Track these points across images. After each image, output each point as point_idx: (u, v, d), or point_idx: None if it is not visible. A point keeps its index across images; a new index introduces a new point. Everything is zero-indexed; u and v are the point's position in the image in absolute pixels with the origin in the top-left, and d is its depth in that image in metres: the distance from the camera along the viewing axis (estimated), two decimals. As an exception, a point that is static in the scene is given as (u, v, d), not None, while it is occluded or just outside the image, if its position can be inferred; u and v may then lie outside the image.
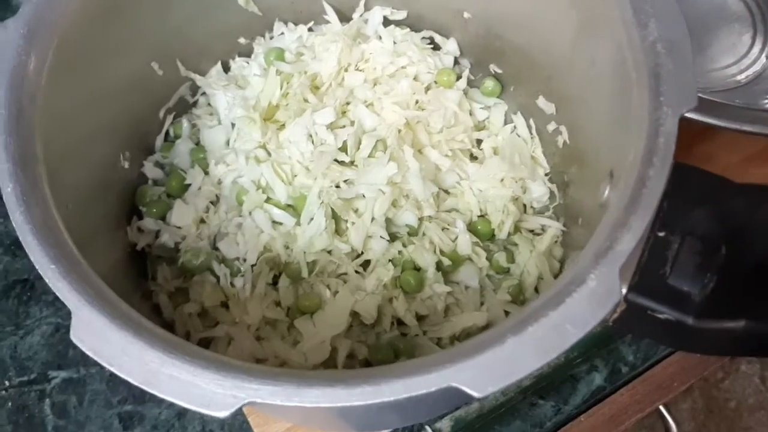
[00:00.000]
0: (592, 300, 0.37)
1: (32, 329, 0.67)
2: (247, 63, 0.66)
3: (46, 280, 0.39)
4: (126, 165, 0.59)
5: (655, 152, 0.40)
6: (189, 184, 0.60)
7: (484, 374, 0.36)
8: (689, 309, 0.40)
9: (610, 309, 0.37)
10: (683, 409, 1.42)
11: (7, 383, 0.65)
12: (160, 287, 0.58)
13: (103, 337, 0.37)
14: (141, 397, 0.64)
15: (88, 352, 0.37)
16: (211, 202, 0.60)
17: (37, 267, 0.39)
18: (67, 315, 0.66)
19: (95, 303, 0.38)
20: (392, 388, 0.35)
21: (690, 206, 0.43)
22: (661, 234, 0.42)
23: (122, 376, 0.36)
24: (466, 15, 0.63)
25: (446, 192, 0.63)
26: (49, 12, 0.47)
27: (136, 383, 0.36)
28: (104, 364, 0.36)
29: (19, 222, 0.40)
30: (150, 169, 0.62)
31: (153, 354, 0.36)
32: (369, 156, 0.59)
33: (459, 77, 0.67)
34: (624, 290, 0.41)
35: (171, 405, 0.61)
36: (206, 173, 0.61)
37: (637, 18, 0.44)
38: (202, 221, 0.59)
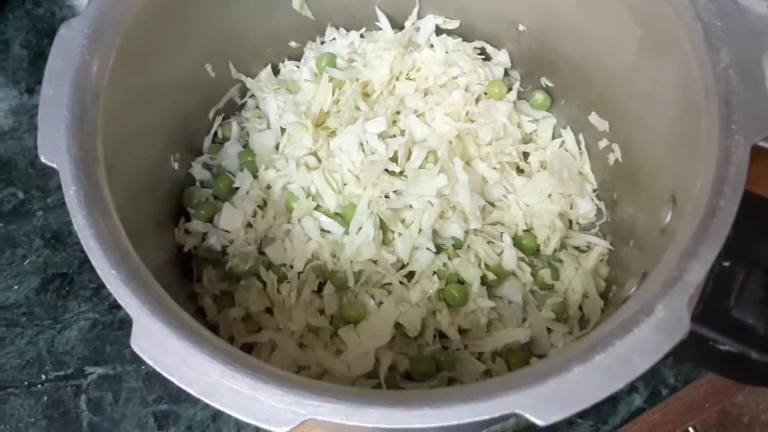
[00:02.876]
0: (659, 331, 0.37)
1: (70, 324, 0.67)
2: (297, 67, 0.66)
3: (108, 287, 0.39)
4: (175, 166, 0.59)
5: (725, 181, 0.40)
6: (236, 188, 0.60)
7: (548, 402, 0.35)
8: (753, 342, 0.40)
9: (678, 341, 0.37)
10: (695, 422, 1.41)
11: (43, 377, 0.65)
12: (205, 290, 0.58)
13: (164, 347, 0.37)
14: (177, 396, 0.64)
15: (149, 362, 0.37)
16: (259, 207, 0.60)
17: (98, 272, 0.39)
18: (105, 311, 0.67)
19: (157, 311, 0.38)
20: (454, 411, 0.35)
21: (757, 237, 0.42)
22: (726, 264, 0.41)
23: (182, 386, 0.36)
24: (521, 27, 0.62)
25: (492, 205, 0.62)
26: (112, 11, 0.47)
27: (196, 395, 0.36)
28: (165, 374, 0.36)
29: (82, 226, 0.40)
30: (198, 171, 0.62)
31: (214, 366, 0.36)
32: (419, 167, 0.58)
33: (509, 89, 0.66)
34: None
35: (206, 406, 0.60)
36: (255, 177, 0.60)
37: (709, 42, 0.44)
38: (250, 225, 0.59)
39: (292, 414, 0.35)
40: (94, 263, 0.39)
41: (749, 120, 0.41)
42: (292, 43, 0.66)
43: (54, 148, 0.42)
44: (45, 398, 0.64)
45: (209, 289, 0.57)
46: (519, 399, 0.35)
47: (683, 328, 0.37)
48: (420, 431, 0.36)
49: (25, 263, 0.69)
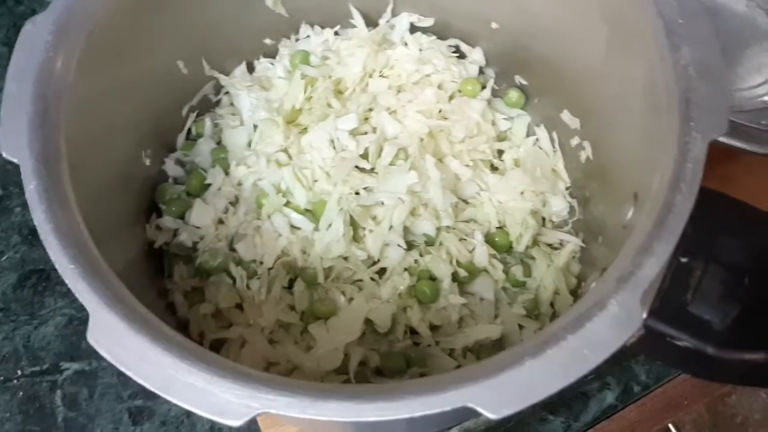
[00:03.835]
0: (612, 325, 0.37)
1: (46, 319, 0.67)
2: (272, 64, 0.66)
3: (66, 281, 0.39)
4: (147, 162, 0.59)
5: (682, 178, 0.40)
6: (209, 184, 0.60)
7: (500, 396, 0.35)
8: (709, 338, 0.40)
9: (630, 336, 0.37)
10: (687, 421, 1.41)
11: (19, 372, 0.65)
12: (176, 285, 0.58)
13: (121, 341, 0.37)
14: (151, 392, 0.63)
15: (105, 355, 0.37)
16: (231, 203, 0.60)
17: (56, 266, 0.39)
18: (82, 307, 0.66)
19: (114, 305, 0.38)
20: (408, 405, 0.35)
21: (715, 233, 0.42)
22: (684, 260, 0.41)
23: (138, 380, 0.36)
24: (494, 25, 0.63)
25: (465, 202, 0.63)
26: (80, 6, 0.47)
27: (152, 388, 0.36)
28: (121, 368, 0.36)
29: (41, 220, 0.40)
30: (171, 167, 0.62)
31: (170, 360, 0.36)
32: (390, 164, 0.58)
33: (483, 87, 0.66)
34: (644, 315, 0.40)
35: (181, 402, 0.61)
36: (227, 174, 0.60)
37: (671, 40, 0.44)
38: (221, 222, 0.59)
39: (246, 407, 0.35)
40: (52, 257, 0.39)
41: (707, 117, 0.41)
42: (267, 41, 0.66)
43: (16, 144, 0.42)
44: (20, 393, 0.64)
45: (180, 285, 0.58)
46: (471, 393, 0.35)
47: (636, 323, 0.37)
48: (377, 424, 0.36)
49: (2, 259, 0.70)
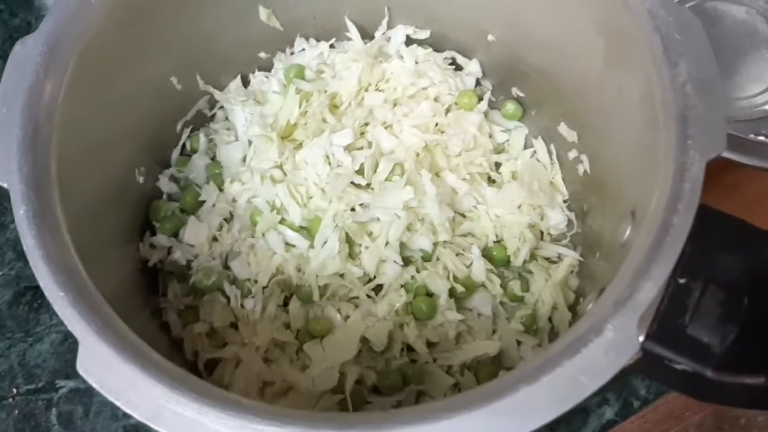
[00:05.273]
0: (608, 351, 0.36)
1: (42, 337, 0.67)
2: (267, 78, 0.65)
3: (55, 308, 0.38)
4: (141, 179, 0.58)
5: (680, 198, 0.39)
6: (203, 201, 0.60)
7: (495, 424, 0.35)
8: (708, 361, 0.39)
9: (627, 361, 0.36)
10: (691, 424, 1.41)
11: (14, 390, 0.65)
12: (170, 304, 0.57)
13: (110, 369, 0.37)
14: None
15: (94, 385, 0.36)
16: (225, 220, 0.59)
17: (46, 293, 0.39)
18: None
19: (103, 333, 0.37)
20: (401, 435, 0.35)
21: (714, 252, 0.42)
22: (682, 281, 0.41)
23: (127, 411, 0.36)
24: (490, 37, 0.62)
25: (462, 215, 0.62)
26: (70, 26, 0.47)
27: (141, 419, 0.36)
28: (110, 397, 0.36)
29: (30, 246, 0.40)
30: (165, 183, 0.61)
31: (159, 389, 0.36)
32: (386, 179, 0.58)
33: (480, 99, 0.66)
34: (641, 338, 0.39)
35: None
36: (221, 190, 0.60)
37: (668, 56, 0.43)
38: (215, 239, 0.59)
39: (236, 438, 0.35)
40: (41, 284, 0.39)
41: (705, 136, 0.41)
42: (262, 54, 0.66)
43: (5, 168, 0.41)
44: (16, 411, 0.64)
45: (174, 303, 0.57)
46: (465, 421, 0.35)
47: (633, 348, 0.36)
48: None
49: (-2, 276, 0.69)
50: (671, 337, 0.40)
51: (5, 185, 0.41)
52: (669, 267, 0.38)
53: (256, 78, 0.66)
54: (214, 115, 0.66)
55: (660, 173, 0.42)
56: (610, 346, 0.36)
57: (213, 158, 0.63)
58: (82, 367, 0.37)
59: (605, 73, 0.52)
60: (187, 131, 0.64)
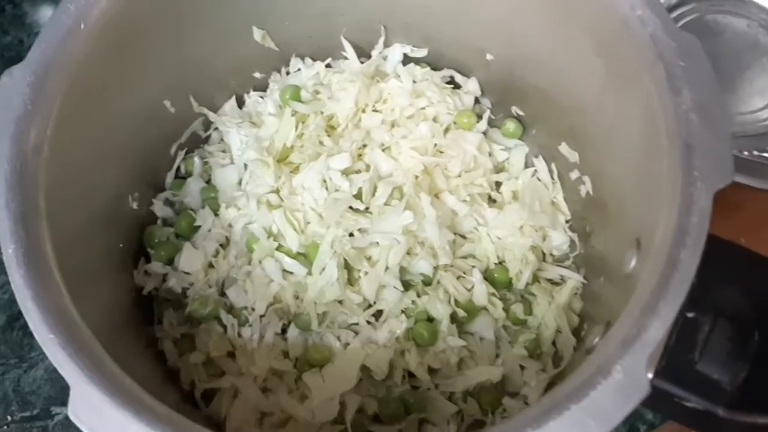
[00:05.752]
0: (617, 393, 0.35)
1: (36, 362, 0.65)
2: (262, 98, 0.64)
3: (45, 351, 0.37)
4: (134, 206, 0.57)
5: (687, 232, 0.38)
6: (199, 226, 0.59)
7: (500, 471, 0.34)
8: (719, 399, 0.38)
9: (637, 403, 0.35)
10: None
11: (9, 418, 0.64)
12: (165, 333, 0.56)
13: (102, 415, 0.36)
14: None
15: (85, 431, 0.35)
16: (221, 245, 0.58)
17: (35, 335, 0.38)
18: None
19: (95, 377, 0.36)
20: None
21: (722, 284, 0.41)
22: (691, 315, 0.40)
23: (120, 460, 0.35)
24: (488, 56, 0.61)
25: (462, 237, 0.61)
26: (58, 54, 0.46)
27: (133, 469, 0.34)
28: (101, 446, 0.35)
29: (19, 286, 0.39)
30: (159, 208, 0.60)
31: (153, 437, 0.35)
32: (385, 203, 0.56)
33: (479, 117, 0.65)
34: (650, 377, 0.38)
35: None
36: (216, 215, 0.59)
37: (670, 82, 0.42)
38: (211, 265, 0.57)
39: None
40: (31, 326, 0.38)
41: (711, 166, 0.39)
42: (257, 74, 0.64)
43: (-8, 204, 0.40)
44: (11, 440, 0.63)
45: (170, 332, 0.56)
46: (470, 469, 0.34)
47: (643, 389, 0.35)
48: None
49: (-10, 301, 0.68)
50: (681, 375, 0.39)
51: (-7, 222, 0.40)
52: (678, 304, 0.37)
53: (251, 98, 0.65)
54: (208, 137, 0.64)
55: (665, 202, 0.41)
56: (619, 387, 0.35)
57: (208, 181, 0.62)
58: (73, 412, 0.36)
59: (605, 96, 0.51)
60: (182, 154, 0.63)
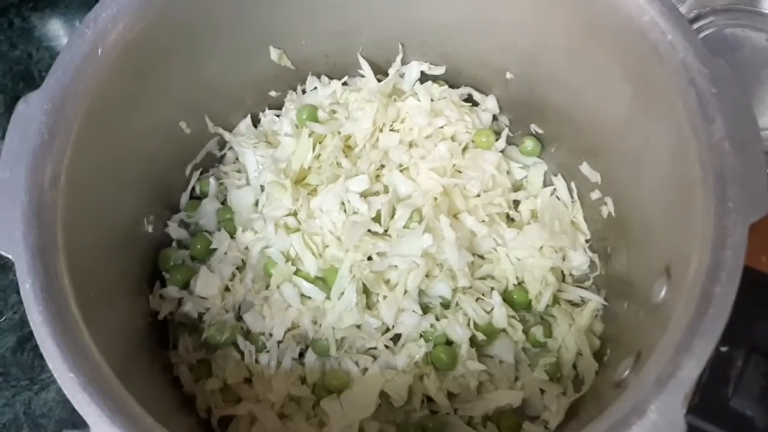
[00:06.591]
0: (653, 434, 0.34)
1: (47, 384, 0.65)
2: (278, 117, 0.63)
3: (64, 390, 0.36)
4: (149, 229, 0.57)
5: (722, 266, 0.37)
6: (215, 248, 0.58)
7: None
8: (754, 437, 0.37)
9: (673, 446, 0.34)
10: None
11: (20, 442, 0.63)
12: (181, 358, 0.55)
13: (124, 459, 0.35)
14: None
15: (107, 476, 0.34)
16: (237, 268, 0.57)
17: (54, 374, 0.37)
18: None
19: (117, 419, 0.35)
20: None
21: (756, 318, 0.40)
22: (724, 349, 0.39)
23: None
24: (508, 75, 0.60)
25: (481, 257, 0.60)
26: (74, 81, 0.45)
27: None
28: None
29: (38, 323, 0.38)
30: (174, 230, 0.59)
31: (176, 480, 0.34)
32: (404, 226, 0.55)
33: (498, 135, 0.64)
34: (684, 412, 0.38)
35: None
36: (232, 237, 0.58)
37: (703, 110, 0.41)
38: (227, 289, 0.56)
39: None
40: (50, 365, 0.37)
41: (746, 198, 0.39)
42: (272, 93, 0.64)
43: (9, 237, 0.39)
44: (22, 463, 0.62)
45: (186, 358, 0.55)
46: None
47: (678, 430, 0.34)
48: None
49: (1, 320, 0.67)
50: (714, 411, 0.38)
51: (10, 256, 0.39)
52: (713, 342, 0.36)
53: (267, 117, 0.64)
54: (223, 156, 0.63)
55: (697, 232, 0.40)
56: (655, 428, 0.34)
57: (223, 202, 0.61)
58: (94, 454, 0.35)
59: (631, 118, 0.50)
60: (197, 174, 0.62)
